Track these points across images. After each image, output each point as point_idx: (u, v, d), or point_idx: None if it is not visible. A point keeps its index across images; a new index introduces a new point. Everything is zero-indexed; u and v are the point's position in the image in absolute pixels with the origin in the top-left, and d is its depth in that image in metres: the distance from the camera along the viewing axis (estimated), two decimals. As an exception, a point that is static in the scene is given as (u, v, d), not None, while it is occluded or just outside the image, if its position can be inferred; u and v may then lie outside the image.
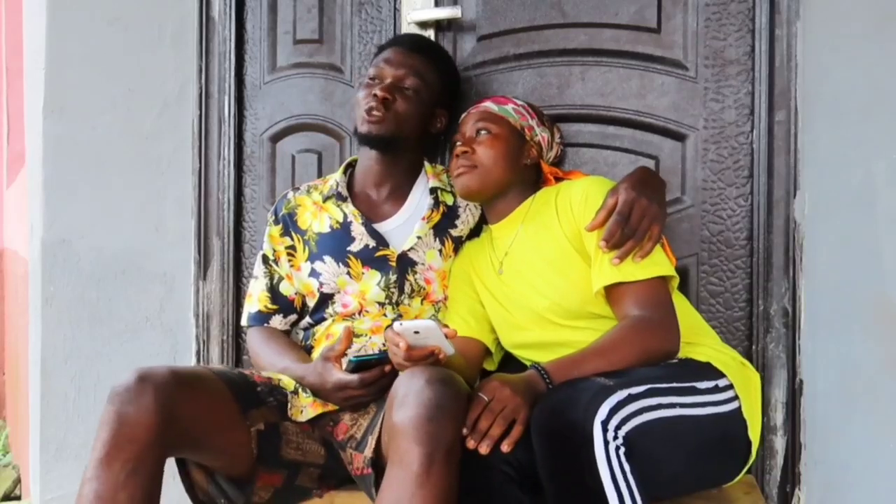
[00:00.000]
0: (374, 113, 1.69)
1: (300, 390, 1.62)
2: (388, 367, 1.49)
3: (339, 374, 1.53)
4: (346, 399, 1.55)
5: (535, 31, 1.95)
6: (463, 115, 1.76)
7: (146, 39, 2.18)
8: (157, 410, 1.32)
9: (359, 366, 1.52)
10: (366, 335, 1.70)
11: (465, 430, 1.31)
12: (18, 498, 3.09)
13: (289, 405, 1.59)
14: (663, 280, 1.51)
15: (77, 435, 2.17)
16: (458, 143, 1.70)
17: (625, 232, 1.48)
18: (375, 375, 1.51)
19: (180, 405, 1.36)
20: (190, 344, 2.16)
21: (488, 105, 1.73)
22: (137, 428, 1.31)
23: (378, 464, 1.46)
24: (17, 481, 3.15)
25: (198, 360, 2.15)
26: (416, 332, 1.39)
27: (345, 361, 1.55)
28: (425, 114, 1.76)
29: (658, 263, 1.50)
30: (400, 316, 1.73)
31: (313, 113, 2.11)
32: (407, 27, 2.00)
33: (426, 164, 1.85)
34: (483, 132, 1.68)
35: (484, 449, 1.29)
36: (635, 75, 1.88)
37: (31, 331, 2.29)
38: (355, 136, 1.77)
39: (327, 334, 1.74)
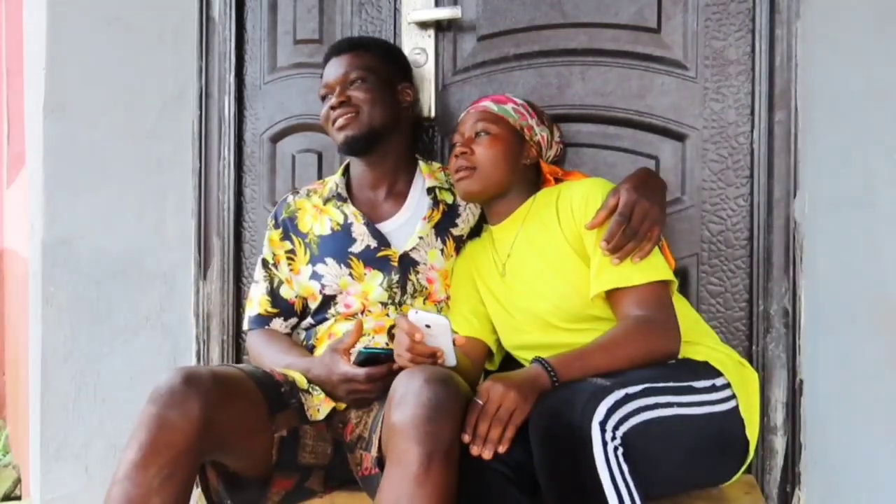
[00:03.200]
0: (340, 120, 1.73)
1: (311, 389, 1.61)
2: (396, 365, 1.48)
3: (346, 367, 1.52)
4: (351, 392, 1.54)
5: (535, 31, 1.95)
6: (462, 115, 1.76)
7: (146, 39, 2.18)
8: (200, 417, 1.30)
9: (366, 360, 1.52)
10: (369, 335, 1.70)
11: (466, 437, 1.30)
12: (18, 498, 3.09)
13: (305, 406, 1.58)
14: (663, 282, 1.51)
15: (77, 435, 2.17)
16: (457, 144, 1.69)
17: (625, 233, 1.48)
18: (383, 372, 1.50)
19: (221, 411, 1.34)
20: (190, 344, 2.16)
21: (487, 104, 1.72)
22: (178, 433, 1.29)
23: (383, 463, 1.46)
24: (18, 481, 3.15)
25: (198, 361, 2.15)
26: (428, 326, 1.39)
27: (354, 353, 1.55)
28: (386, 93, 1.77)
29: (657, 267, 1.50)
30: (402, 316, 1.72)
31: (313, 113, 2.10)
32: (407, 27, 2.00)
33: (421, 162, 1.85)
34: (482, 133, 1.67)
35: (487, 454, 1.29)
36: (635, 75, 1.88)
37: (31, 331, 2.28)
38: (339, 152, 1.79)
39: (329, 333, 1.74)
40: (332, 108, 1.73)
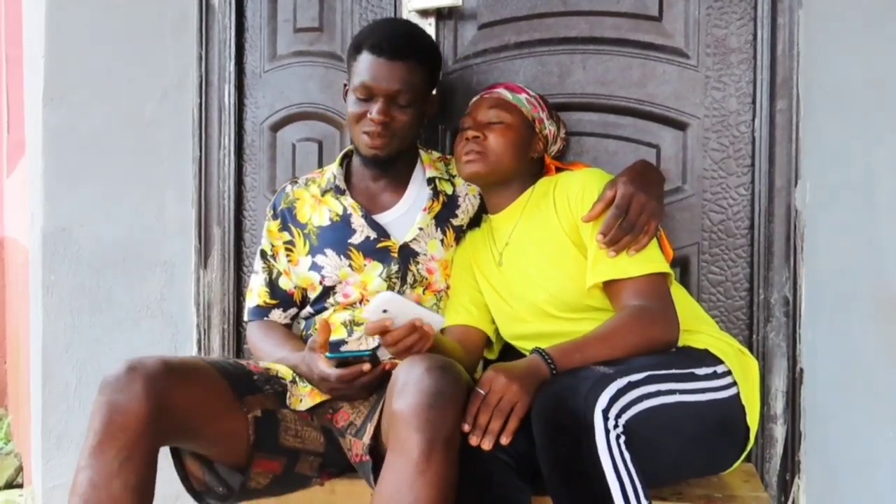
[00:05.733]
0: (377, 139, 1.67)
1: (298, 380, 1.62)
2: (366, 367, 1.48)
3: (322, 366, 1.52)
4: (330, 391, 1.55)
5: (535, 20, 1.94)
6: (475, 99, 1.75)
7: (146, 27, 2.17)
8: (146, 398, 1.32)
9: (343, 361, 1.52)
10: (366, 324, 1.70)
11: (466, 427, 1.31)
12: (20, 486, 3.11)
13: (288, 394, 1.59)
14: (660, 274, 1.50)
15: (78, 423, 2.18)
16: (469, 128, 1.68)
17: (622, 226, 1.47)
18: (352, 373, 1.49)
19: (171, 394, 1.36)
20: (191, 333, 2.17)
21: (502, 92, 1.71)
22: (128, 416, 1.31)
23: (376, 451, 1.46)
24: (20, 469, 3.16)
25: (199, 350, 2.16)
26: (385, 311, 1.39)
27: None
28: (421, 113, 1.73)
29: (653, 260, 1.50)
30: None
31: (313, 101, 2.11)
32: (407, 15, 1.99)
33: (421, 152, 1.85)
34: (496, 119, 1.66)
35: (486, 445, 1.29)
36: (636, 64, 1.88)
37: (31, 319, 2.29)
38: (357, 154, 1.76)
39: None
40: (371, 120, 1.66)
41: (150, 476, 1.35)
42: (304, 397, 1.61)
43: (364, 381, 1.49)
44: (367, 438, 1.47)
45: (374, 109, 1.65)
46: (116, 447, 1.30)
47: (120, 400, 1.32)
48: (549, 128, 1.74)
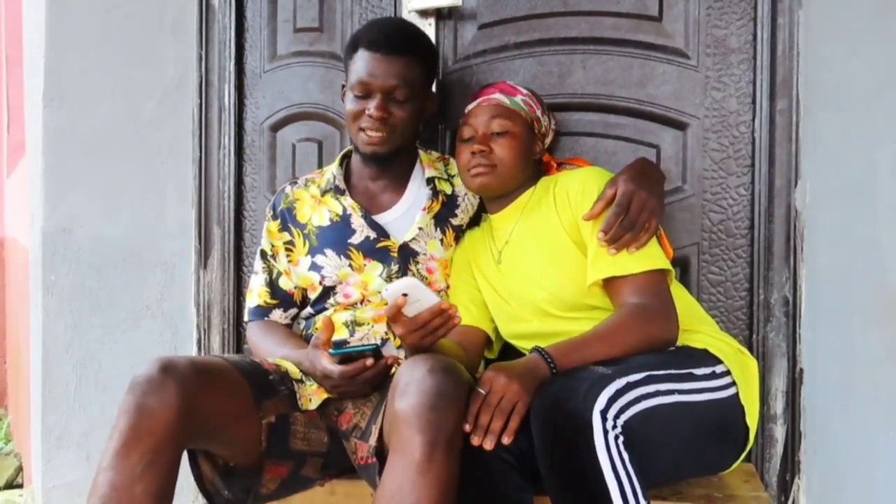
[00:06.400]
0: (374, 134, 1.67)
1: (304, 378, 1.62)
2: (369, 361, 1.48)
3: (325, 363, 1.52)
4: (333, 388, 1.55)
5: (535, 20, 1.94)
6: (471, 106, 1.71)
7: (146, 27, 2.17)
8: (178, 403, 1.31)
9: (346, 357, 1.52)
10: (368, 324, 1.70)
11: (467, 427, 1.31)
12: (20, 486, 3.10)
13: (297, 395, 1.59)
14: (660, 271, 1.50)
15: (78, 423, 2.18)
16: (472, 140, 1.65)
17: (623, 224, 1.47)
18: (356, 369, 1.49)
19: (201, 398, 1.35)
20: (191, 333, 2.17)
21: (500, 98, 1.68)
22: (157, 420, 1.30)
23: (382, 453, 1.46)
24: (19, 469, 3.16)
25: (199, 349, 2.16)
26: (404, 295, 1.38)
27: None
28: (419, 109, 1.73)
29: (653, 257, 1.50)
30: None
31: (313, 102, 2.11)
32: (407, 16, 1.99)
33: (421, 152, 1.85)
34: (500, 129, 1.64)
35: (488, 445, 1.29)
36: (636, 64, 1.88)
37: (32, 319, 2.29)
38: (356, 152, 1.77)
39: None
40: (369, 116, 1.67)
41: (172, 482, 1.34)
42: (313, 396, 1.61)
43: (367, 377, 1.49)
44: (373, 441, 1.47)
45: (372, 105, 1.66)
46: (141, 451, 1.28)
47: (150, 403, 1.30)
48: (545, 124, 1.73)
